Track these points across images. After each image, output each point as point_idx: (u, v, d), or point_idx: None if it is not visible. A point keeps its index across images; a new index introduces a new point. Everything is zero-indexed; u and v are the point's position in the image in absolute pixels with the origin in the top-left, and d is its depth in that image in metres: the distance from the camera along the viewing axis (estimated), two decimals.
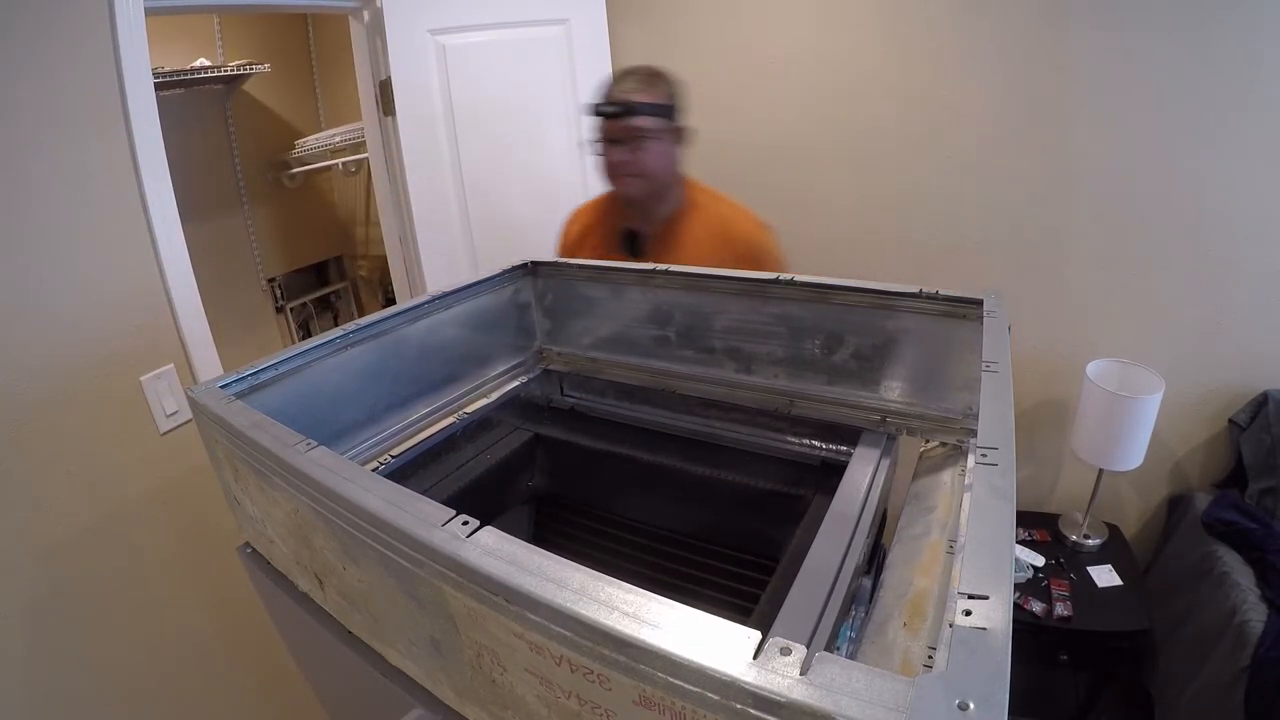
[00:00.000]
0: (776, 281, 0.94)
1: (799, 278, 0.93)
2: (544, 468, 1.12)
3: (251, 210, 2.78)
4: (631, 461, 1.03)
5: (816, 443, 0.99)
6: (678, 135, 1.32)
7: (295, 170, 2.86)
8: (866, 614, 0.68)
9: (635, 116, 1.25)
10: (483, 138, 1.91)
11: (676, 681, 0.35)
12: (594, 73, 2.09)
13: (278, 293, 2.93)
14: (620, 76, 1.31)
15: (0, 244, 1.05)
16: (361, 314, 2.40)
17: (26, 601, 1.12)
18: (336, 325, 1.15)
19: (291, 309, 2.99)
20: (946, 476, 0.82)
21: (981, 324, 0.76)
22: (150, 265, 1.23)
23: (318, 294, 3.12)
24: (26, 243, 1.08)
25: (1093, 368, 1.73)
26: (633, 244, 1.39)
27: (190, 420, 1.29)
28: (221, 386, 0.75)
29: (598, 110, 1.29)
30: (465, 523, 0.47)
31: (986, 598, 0.37)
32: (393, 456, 0.94)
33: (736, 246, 1.31)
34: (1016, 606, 1.59)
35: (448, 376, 1.05)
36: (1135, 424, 1.62)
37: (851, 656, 0.57)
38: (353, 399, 0.91)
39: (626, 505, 1.07)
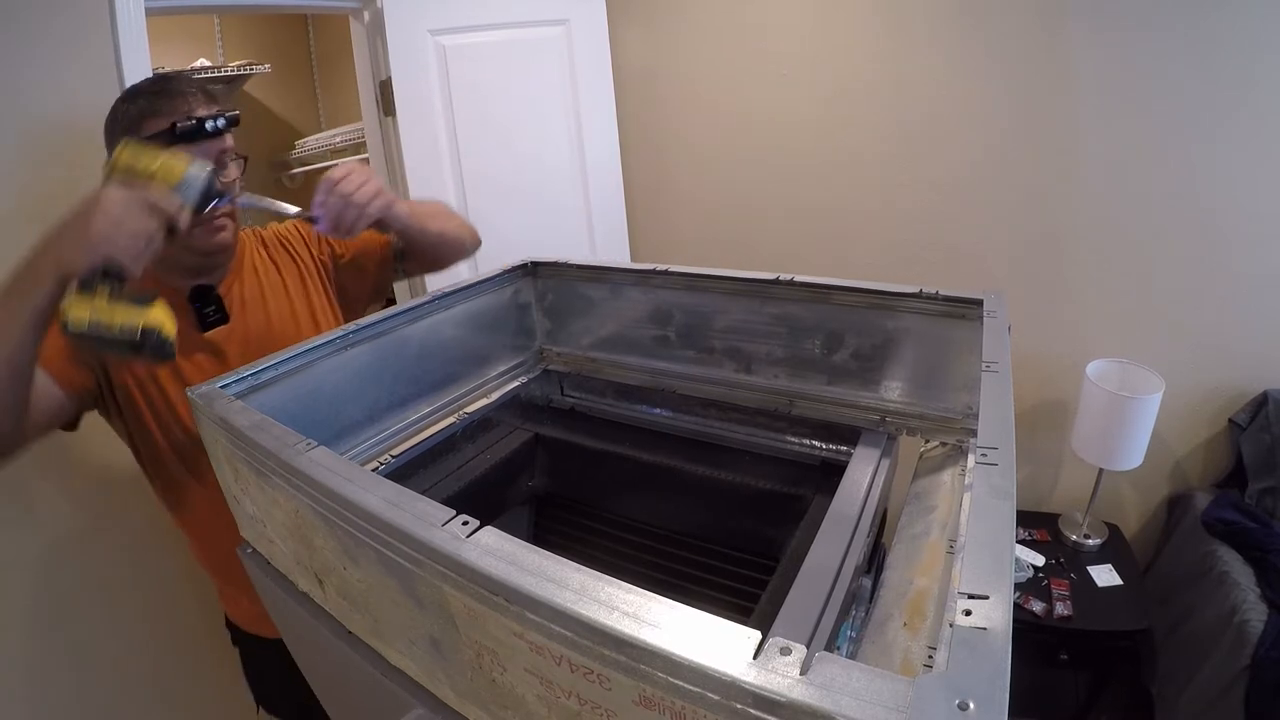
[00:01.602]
0: (776, 281, 0.94)
1: (799, 278, 0.93)
2: (544, 468, 1.12)
3: None
4: (631, 461, 1.03)
5: (816, 443, 0.99)
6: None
7: (296, 170, 2.86)
8: (866, 614, 0.68)
9: (229, 131, 0.93)
10: (483, 138, 1.91)
11: (676, 681, 0.35)
12: (594, 73, 2.10)
13: None
14: (178, 90, 0.91)
15: None
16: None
17: (27, 601, 1.12)
18: None
19: None
20: (946, 476, 0.82)
21: (981, 324, 0.77)
22: None
23: None
24: (26, 243, 1.08)
25: (1093, 368, 1.73)
26: (205, 304, 1.00)
27: None
28: (221, 386, 0.75)
29: (199, 128, 0.89)
30: (465, 523, 0.47)
31: (986, 597, 0.37)
32: (393, 456, 0.93)
33: (311, 233, 1.14)
34: (1016, 606, 1.59)
35: (448, 376, 1.05)
36: (1135, 424, 1.62)
37: (851, 656, 0.57)
38: (353, 399, 0.91)
39: (627, 505, 1.07)
